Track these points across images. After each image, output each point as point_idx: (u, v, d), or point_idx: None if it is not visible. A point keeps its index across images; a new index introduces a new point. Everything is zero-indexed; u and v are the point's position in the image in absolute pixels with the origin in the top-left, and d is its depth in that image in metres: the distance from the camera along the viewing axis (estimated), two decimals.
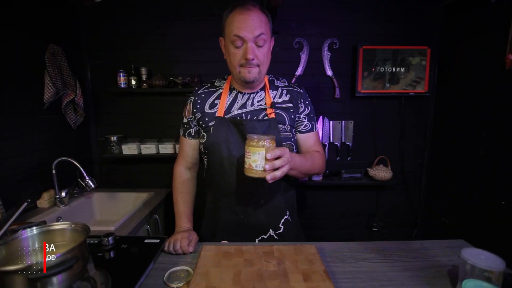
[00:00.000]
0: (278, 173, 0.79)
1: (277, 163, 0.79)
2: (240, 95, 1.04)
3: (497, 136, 1.62)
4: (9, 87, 1.42)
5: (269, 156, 0.77)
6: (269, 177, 0.78)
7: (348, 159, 2.18)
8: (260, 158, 0.78)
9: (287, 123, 1.02)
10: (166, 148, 1.99)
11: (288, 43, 2.04)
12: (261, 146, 0.78)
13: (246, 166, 0.80)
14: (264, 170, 0.78)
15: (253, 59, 0.91)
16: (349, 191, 2.23)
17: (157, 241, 0.93)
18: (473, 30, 1.80)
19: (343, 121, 2.12)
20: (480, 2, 1.72)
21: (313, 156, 1.03)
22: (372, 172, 2.08)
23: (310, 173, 1.03)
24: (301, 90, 1.08)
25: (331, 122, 2.12)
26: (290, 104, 1.04)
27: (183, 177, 1.13)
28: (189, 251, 0.89)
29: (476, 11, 1.77)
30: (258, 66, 0.94)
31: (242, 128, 0.97)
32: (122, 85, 1.92)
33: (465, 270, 0.67)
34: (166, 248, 0.90)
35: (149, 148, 1.98)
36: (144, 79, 1.96)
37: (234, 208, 1.03)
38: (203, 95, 1.05)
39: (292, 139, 1.04)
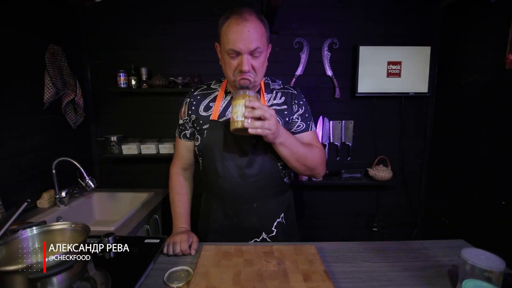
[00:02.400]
0: (258, 124, 0.79)
1: (257, 112, 0.79)
2: None
3: (497, 136, 1.62)
4: (9, 87, 1.42)
5: (247, 103, 0.79)
6: (246, 123, 0.78)
7: (348, 159, 2.18)
8: (240, 109, 0.80)
9: (282, 126, 1.01)
10: (166, 148, 1.99)
11: (288, 43, 2.04)
12: (242, 98, 0.80)
13: (231, 120, 0.82)
14: (244, 118, 0.79)
15: (248, 71, 0.90)
16: (349, 191, 2.23)
17: (157, 241, 0.93)
18: (473, 30, 1.80)
19: (343, 121, 2.12)
20: (480, 2, 1.72)
21: (310, 146, 0.99)
22: (372, 172, 2.08)
23: (306, 162, 0.96)
24: (295, 92, 1.07)
25: (331, 122, 2.12)
26: (285, 106, 1.03)
27: (180, 177, 1.13)
28: (191, 254, 0.89)
29: (476, 11, 1.77)
30: (254, 76, 0.93)
31: None
32: (122, 85, 1.92)
33: (465, 270, 0.67)
34: (165, 250, 0.90)
35: (149, 148, 1.98)
36: (144, 79, 1.96)
37: (226, 211, 1.03)
38: (198, 97, 1.05)
39: None
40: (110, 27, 2.00)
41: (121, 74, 1.91)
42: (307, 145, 0.99)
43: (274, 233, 1.05)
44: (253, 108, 0.79)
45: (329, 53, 2.07)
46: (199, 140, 1.02)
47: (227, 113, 1.01)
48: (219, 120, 1.00)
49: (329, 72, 2.08)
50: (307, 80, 2.10)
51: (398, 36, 2.07)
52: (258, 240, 1.04)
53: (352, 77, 2.09)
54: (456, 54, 1.95)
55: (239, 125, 0.79)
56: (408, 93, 2.04)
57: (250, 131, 0.79)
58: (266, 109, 0.80)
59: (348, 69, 2.09)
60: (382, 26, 2.06)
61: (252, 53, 0.89)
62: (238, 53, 0.89)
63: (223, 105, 1.02)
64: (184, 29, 2.01)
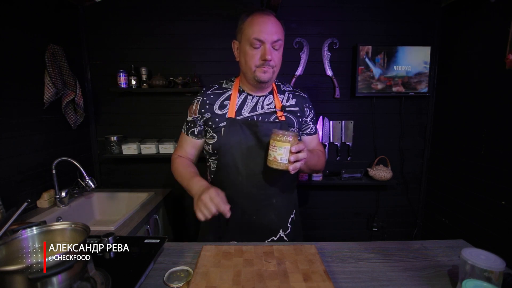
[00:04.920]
0: (298, 165, 0.85)
1: (301, 155, 0.85)
2: (249, 97, 1.05)
3: (497, 136, 1.62)
4: (9, 87, 1.42)
5: (294, 149, 0.85)
6: (291, 167, 0.85)
7: (348, 159, 2.18)
8: (285, 152, 0.85)
9: (295, 126, 1.05)
10: (166, 148, 1.99)
11: (288, 43, 2.04)
12: (286, 141, 0.84)
13: (271, 158, 0.87)
14: (289, 162, 0.85)
15: (270, 60, 0.94)
16: (349, 191, 2.23)
17: (157, 241, 0.93)
18: (473, 30, 1.80)
19: (343, 121, 2.12)
20: (480, 2, 1.72)
21: (318, 154, 1.09)
22: (372, 172, 2.08)
23: (315, 168, 1.09)
24: (305, 95, 1.13)
25: (331, 122, 2.12)
26: (297, 108, 1.08)
27: (182, 158, 1.11)
28: (226, 211, 0.85)
29: (476, 11, 1.77)
30: (273, 68, 0.97)
31: (256, 129, 0.99)
32: (122, 85, 1.92)
33: (465, 270, 0.67)
34: (200, 216, 0.85)
35: (149, 148, 1.98)
36: (144, 79, 1.96)
37: (246, 208, 1.03)
38: (212, 96, 1.05)
39: None
40: (110, 27, 2.00)
41: (121, 74, 1.91)
42: (316, 152, 1.08)
43: (289, 230, 1.08)
44: (298, 152, 0.85)
45: (329, 53, 2.07)
46: (215, 138, 1.02)
47: (242, 111, 1.03)
48: (237, 118, 1.01)
49: (329, 72, 2.08)
50: (307, 80, 2.10)
51: (398, 36, 2.07)
52: (275, 239, 1.06)
53: (352, 77, 2.09)
54: (456, 54, 1.95)
55: (283, 168, 0.86)
56: (408, 93, 2.04)
57: (293, 172, 0.86)
58: (305, 150, 0.87)
59: (348, 69, 2.09)
60: (382, 26, 2.06)
61: (273, 45, 0.95)
62: (261, 44, 0.94)
63: (238, 103, 1.04)
64: (184, 29, 2.01)
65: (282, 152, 0.84)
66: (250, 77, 0.98)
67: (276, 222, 1.05)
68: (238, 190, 1.02)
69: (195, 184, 0.95)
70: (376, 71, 2.00)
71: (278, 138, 0.85)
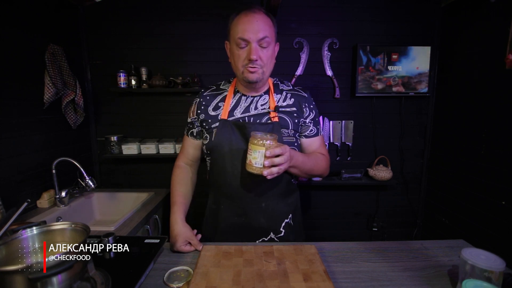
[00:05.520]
0: (275, 170, 0.81)
1: (277, 160, 0.81)
2: (243, 98, 1.04)
3: (497, 136, 1.62)
4: (9, 87, 1.42)
5: (268, 153, 0.80)
6: (265, 172, 0.80)
7: (348, 159, 2.18)
8: (260, 156, 0.81)
9: (290, 127, 1.02)
10: (166, 148, 1.99)
11: (288, 43, 2.04)
12: (261, 145, 0.81)
13: (247, 161, 0.84)
14: (263, 167, 0.81)
15: (256, 60, 0.91)
16: (349, 191, 2.23)
17: (157, 241, 0.93)
18: (473, 30, 1.80)
19: (343, 121, 2.12)
20: (480, 2, 1.72)
21: (317, 157, 1.04)
22: (372, 172, 2.08)
23: (313, 173, 1.03)
24: (305, 95, 1.08)
25: (331, 122, 2.12)
26: (294, 108, 1.04)
27: (181, 169, 1.12)
28: (199, 249, 0.91)
29: (476, 11, 1.77)
30: (262, 67, 0.94)
31: (245, 131, 0.97)
32: (122, 85, 1.92)
33: (465, 270, 0.67)
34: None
35: (149, 148, 1.98)
36: (144, 79, 1.96)
37: (235, 210, 1.03)
38: (208, 97, 1.06)
39: (296, 144, 1.03)
40: (110, 27, 2.00)
41: (121, 74, 1.91)
42: (314, 156, 1.03)
43: (282, 234, 1.06)
44: (273, 157, 0.81)
45: (329, 53, 2.07)
46: (208, 139, 1.02)
47: (235, 112, 1.02)
48: (229, 119, 1.01)
49: (329, 72, 2.08)
50: (307, 80, 2.10)
51: (398, 36, 2.07)
52: (266, 239, 1.04)
53: (352, 77, 2.09)
54: (456, 54, 1.95)
55: (258, 172, 0.82)
56: (408, 93, 2.04)
57: (269, 177, 0.82)
58: (284, 155, 0.82)
59: (348, 69, 2.09)
60: (382, 26, 2.06)
61: (260, 43, 0.91)
62: (247, 43, 0.91)
63: (232, 104, 1.03)
64: (184, 29, 2.01)
65: (256, 156, 0.81)
66: (240, 77, 0.97)
67: (265, 226, 1.03)
68: (227, 191, 1.02)
69: (171, 216, 1.00)
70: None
71: (254, 141, 0.82)
